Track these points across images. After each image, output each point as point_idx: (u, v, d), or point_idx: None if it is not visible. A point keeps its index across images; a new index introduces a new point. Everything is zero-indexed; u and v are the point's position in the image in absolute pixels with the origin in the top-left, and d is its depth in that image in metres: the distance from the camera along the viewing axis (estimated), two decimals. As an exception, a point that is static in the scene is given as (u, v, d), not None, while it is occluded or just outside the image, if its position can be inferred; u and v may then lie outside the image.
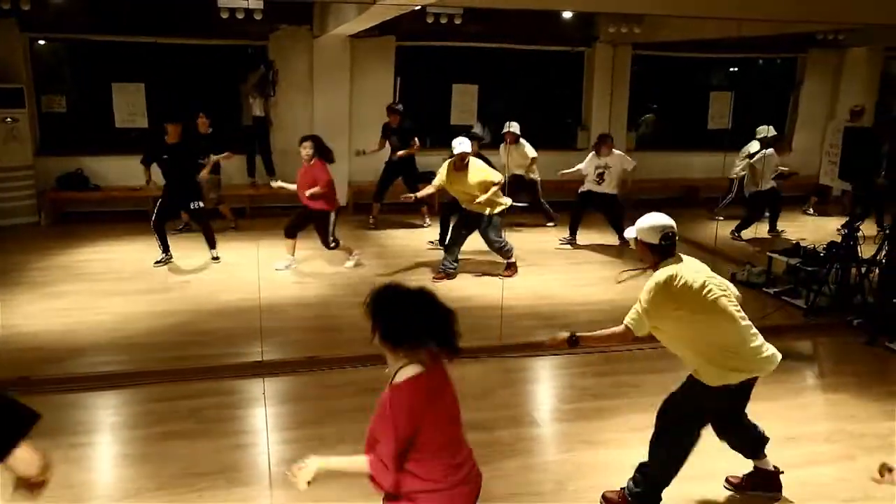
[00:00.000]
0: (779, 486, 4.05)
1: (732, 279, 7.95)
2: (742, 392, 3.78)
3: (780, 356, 3.75)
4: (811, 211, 11.34)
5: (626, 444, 4.42)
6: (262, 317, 6.13)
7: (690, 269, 3.69)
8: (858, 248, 6.89)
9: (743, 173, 10.00)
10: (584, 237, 9.46)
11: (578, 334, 3.67)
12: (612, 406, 5.09)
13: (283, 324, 6.49)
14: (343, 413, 4.82)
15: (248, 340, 5.95)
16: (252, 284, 6.84)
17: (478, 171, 7.64)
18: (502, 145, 9.77)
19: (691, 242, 9.07)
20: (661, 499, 3.84)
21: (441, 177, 7.75)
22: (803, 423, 4.88)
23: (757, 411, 5.05)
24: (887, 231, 6.95)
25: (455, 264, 7.84)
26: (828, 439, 4.68)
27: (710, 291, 3.62)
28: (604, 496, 3.99)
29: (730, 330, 3.66)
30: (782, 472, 4.07)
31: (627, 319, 3.67)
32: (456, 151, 7.59)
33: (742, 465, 4.10)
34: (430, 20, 9.61)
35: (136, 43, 10.25)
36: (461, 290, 7.42)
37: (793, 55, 12.93)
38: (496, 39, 11.02)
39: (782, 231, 9.92)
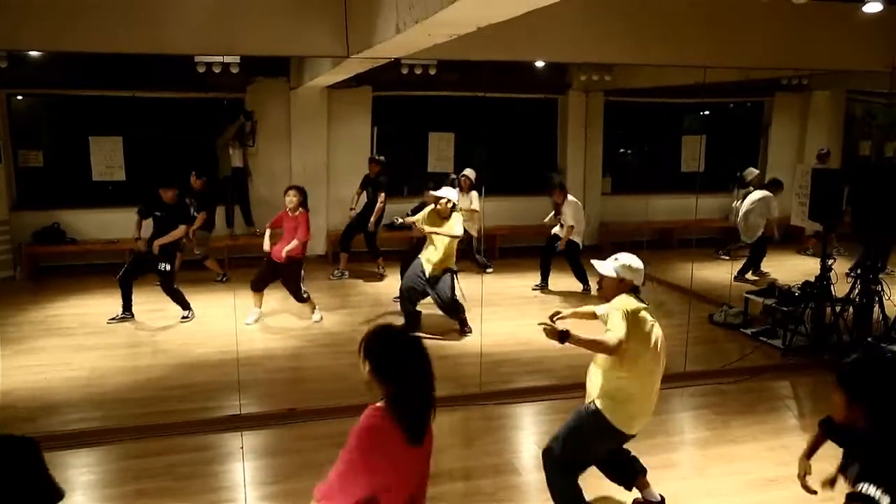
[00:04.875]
0: None
1: (710, 320, 8.07)
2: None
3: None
4: (810, 251, 10.81)
5: (607, 490, 4.39)
6: (239, 370, 6.06)
7: (649, 311, 3.87)
8: (832, 288, 6.99)
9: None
10: (554, 284, 9.48)
11: (571, 332, 3.68)
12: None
13: (259, 376, 6.42)
14: (322, 466, 4.62)
15: (225, 393, 5.88)
16: (226, 336, 6.77)
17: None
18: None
19: (667, 284, 9.22)
20: None
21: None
22: (785, 464, 4.85)
23: (738, 453, 5.06)
24: (858, 272, 7.05)
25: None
26: (810, 480, 4.66)
27: (658, 341, 3.83)
28: None
29: (654, 383, 3.88)
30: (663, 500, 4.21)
31: (610, 335, 3.69)
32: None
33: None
34: (405, 71, 9.75)
35: (113, 97, 10.31)
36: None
37: (760, 99, 13.28)
38: (471, 88, 11.20)
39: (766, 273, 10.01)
